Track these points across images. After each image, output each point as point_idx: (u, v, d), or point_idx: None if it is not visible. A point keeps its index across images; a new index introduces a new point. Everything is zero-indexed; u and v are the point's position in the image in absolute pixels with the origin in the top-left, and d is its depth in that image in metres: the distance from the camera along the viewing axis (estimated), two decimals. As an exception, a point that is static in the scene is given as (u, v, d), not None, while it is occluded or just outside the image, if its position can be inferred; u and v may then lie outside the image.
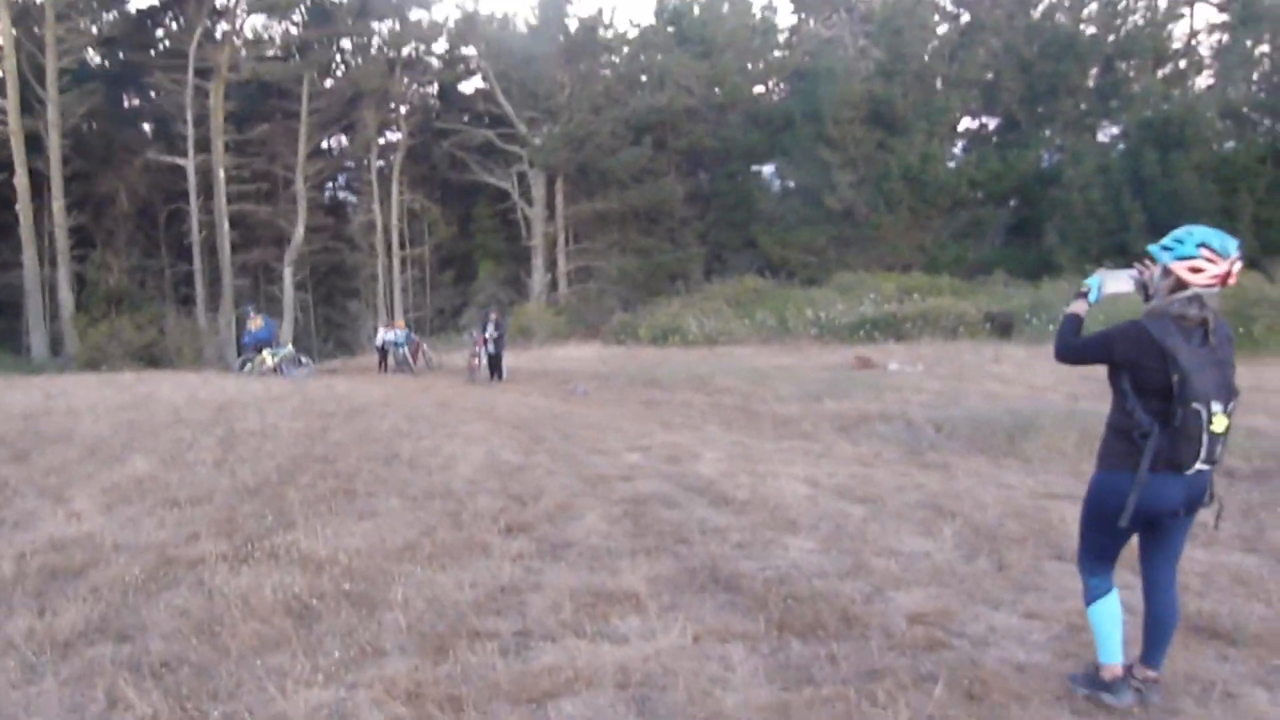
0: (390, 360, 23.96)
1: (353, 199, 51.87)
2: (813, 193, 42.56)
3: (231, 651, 3.37)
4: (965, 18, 46.32)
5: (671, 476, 6.76)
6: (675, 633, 3.54)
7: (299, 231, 41.45)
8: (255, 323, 22.86)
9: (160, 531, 5.09)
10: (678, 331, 27.59)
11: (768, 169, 52.00)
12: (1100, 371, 3.09)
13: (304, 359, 26.32)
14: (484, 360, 17.96)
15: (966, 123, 46.56)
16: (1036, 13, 45.89)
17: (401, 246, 46.28)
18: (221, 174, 38.58)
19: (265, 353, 21.39)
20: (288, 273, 41.49)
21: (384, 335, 24.69)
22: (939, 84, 41.56)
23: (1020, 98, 44.87)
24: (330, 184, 51.22)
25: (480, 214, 47.27)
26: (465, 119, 46.92)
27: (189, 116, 38.10)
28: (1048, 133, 43.57)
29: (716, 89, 49.11)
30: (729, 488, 6.32)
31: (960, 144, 46.27)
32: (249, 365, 21.95)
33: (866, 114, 40.21)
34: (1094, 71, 44.24)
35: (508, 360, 20.19)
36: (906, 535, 5.12)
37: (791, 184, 47.76)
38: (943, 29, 45.45)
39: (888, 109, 40.30)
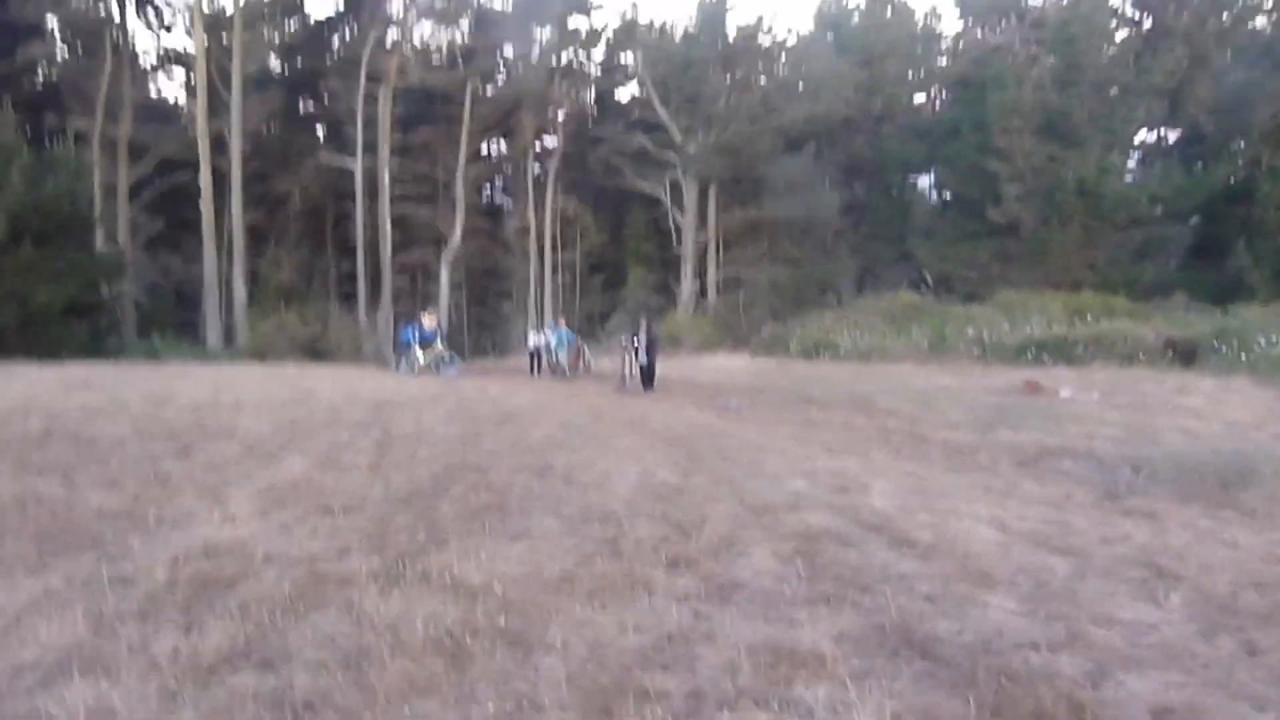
0: (542, 364, 23.63)
1: (508, 203, 53.02)
2: (975, 205, 40.94)
3: (379, 694, 3.07)
4: (1148, 23, 43.62)
5: (842, 509, 6.22)
6: (871, 710, 3.05)
7: (456, 233, 42.54)
8: (430, 320, 22.43)
9: (312, 541, 4.91)
10: (830, 346, 26.79)
11: (924, 181, 50.46)
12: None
13: (451, 355, 26.85)
14: (636, 369, 17.65)
15: (1144, 135, 43.84)
16: (1229, 16, 42.77)
17: (554, 250, 46.93)
18: (386, 176, 39.96)
19: (419, 350, 21.61)
20: (445, 272, 42.60)
21: (535, 339, 24.32)
22: (1115, 93, 39.10)
23: (1209, 108, 41.99)
24: (487, 187, 52.49)
25: (632, 220, 47.53)
26: (620, 126, 47.31)
27: (359, 121, 39.61)
28: (1241, 145, 40.55)
29: (875, 98, 47.86)
30: (907, 527, 5.74)
31: (1138, 156, 43.58)
32: (403, 361, 22.46)
33: (1038, 124, 38.32)
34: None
35: (659, 370, 19.96)
36: (1124, 600, 4.45)
37: (950, 196, 46.15)
38: (1122, 34, 42.89)
39: (1061, 119, 38.32)
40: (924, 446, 9.75)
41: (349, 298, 42.96)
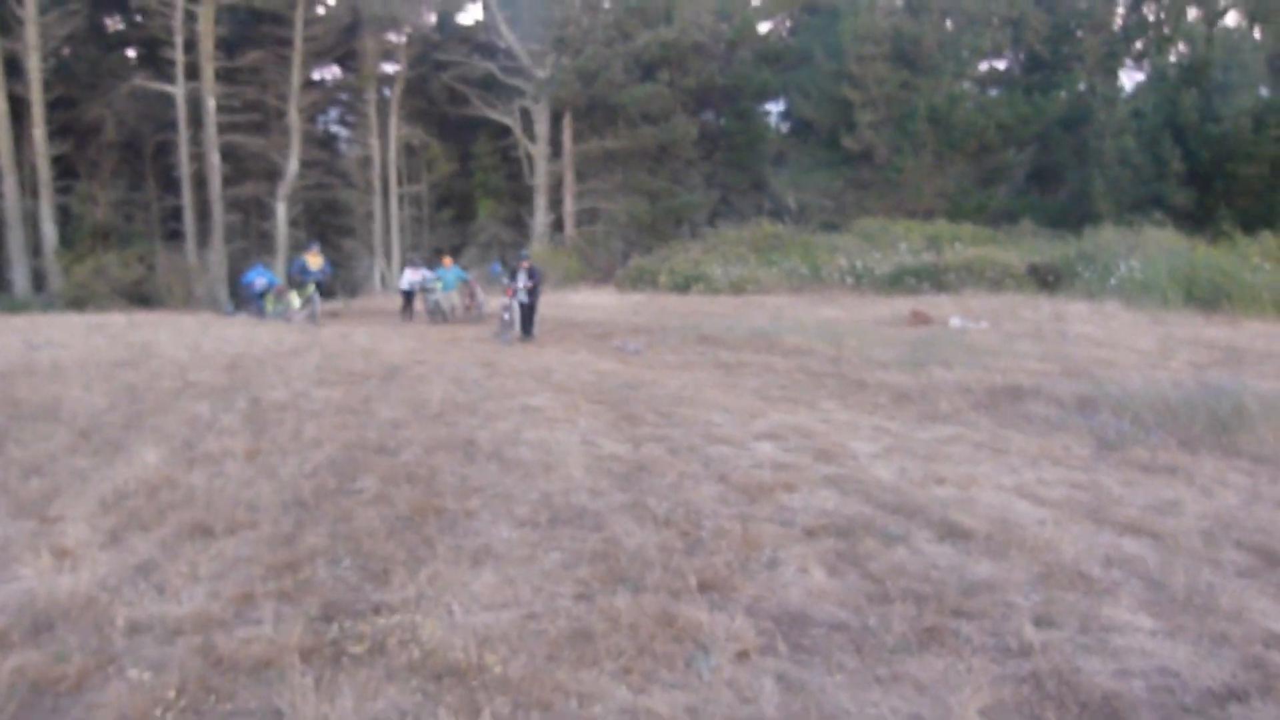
0: (413, 306, 21.10)
1: (345, 133, 49.56)
2: (829, 134, 40.70)
3: None
4: (994, -50, 43.94)
5: (842, 483, 5.21)
6: None
7: (292, 165, 39.30)
8: (315, 260, 19.74)
9: (194, 590, 3.48)
10: (702, 279, 25.91)
11: (774, 109, 50.06)
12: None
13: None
14: (516, 315, 15.31)
15: (987, 64, 44.49)
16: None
17: (399, 183, 44.15)
18: (211, 103, 36.31)
19: (293, 294, 19.21)
20: (281, 208, 39.38)
21: (409, 278, 21.33)
22: (963, 20, 39.27)
23: (1043, 36, 42.92)
24: (323, 117, 48.78)
25: (481, 151, 45.14)
26: (465, 51, 44.62)
27: (178, 41, 35.70)
28: (1073, 74, 41.64)
29: (726, 24, 46.78)
30: (935, 505, 4.78)
31: (979, 86, 44.18)
32: (256, 306, 20.28)
33: (890, 51, 38.13)
34: (1120, 10, 42.28)
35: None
36: (1267, 601, 3.57)
37: (804, 124, 45.82)
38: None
39: (913, 46, 38.23)
40: (865, 392, 8.87)
41: (174, 236, 39.06)
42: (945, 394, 8.55)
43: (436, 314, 20.02)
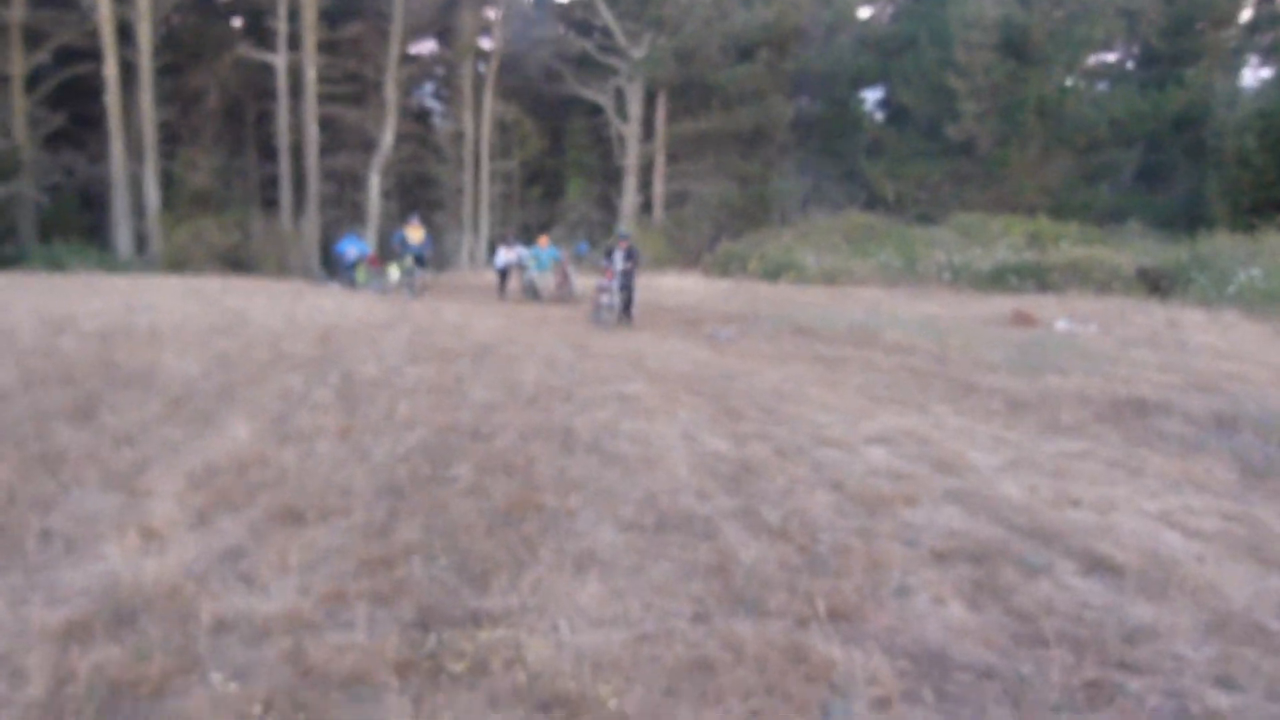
0: (508, 284, 20.62)
1: (439, 107, 49.91)
2: (930, 123, 39.66)
3: None
4: (1112, -60, 42.13)
5: (966, 499, 4.80)
6: None
7: (387, 138, 39.63)
8: (416, 233, 19.23)
9: (284, 584, 3.26)
10: (793, 266, 25.34)
11: (872, 95, 48.98)
12: None
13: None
14: (614, 296, 14.51)
15: (1100, 56, 42.79)
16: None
17: (490, 159, 44.27)
18: (312, 73, 36.75)
19: (392, 266, 19.16)
20: (374, 180, 39.78)
21: (504, 256, 20.73)
22: (1076, 9, 37.66)
23: (1161, 30, 41.06)
24: (419, 91, 49.17)
25: (573, 129, 45.03)
26: (562, 28, 44.53)
27: (281, 12, 36.22)
28: (1191, 71, 39.73)
29: (827, 8, 45.85)
30: (1074, 531, 4.35)
31: (1091, 79, 42.50)
32: (369, 275, 20.44)
33: (999, 40, 36.82)
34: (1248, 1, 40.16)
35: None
36: None
37: (903, 113, 44.69)
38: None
39: (1022, 36, 36.86)
40: (977, 396, 8.37)
41: (271, 204, 39.79)
42: (1064, 403, 8.02)
43: (530, 293, 19.67)
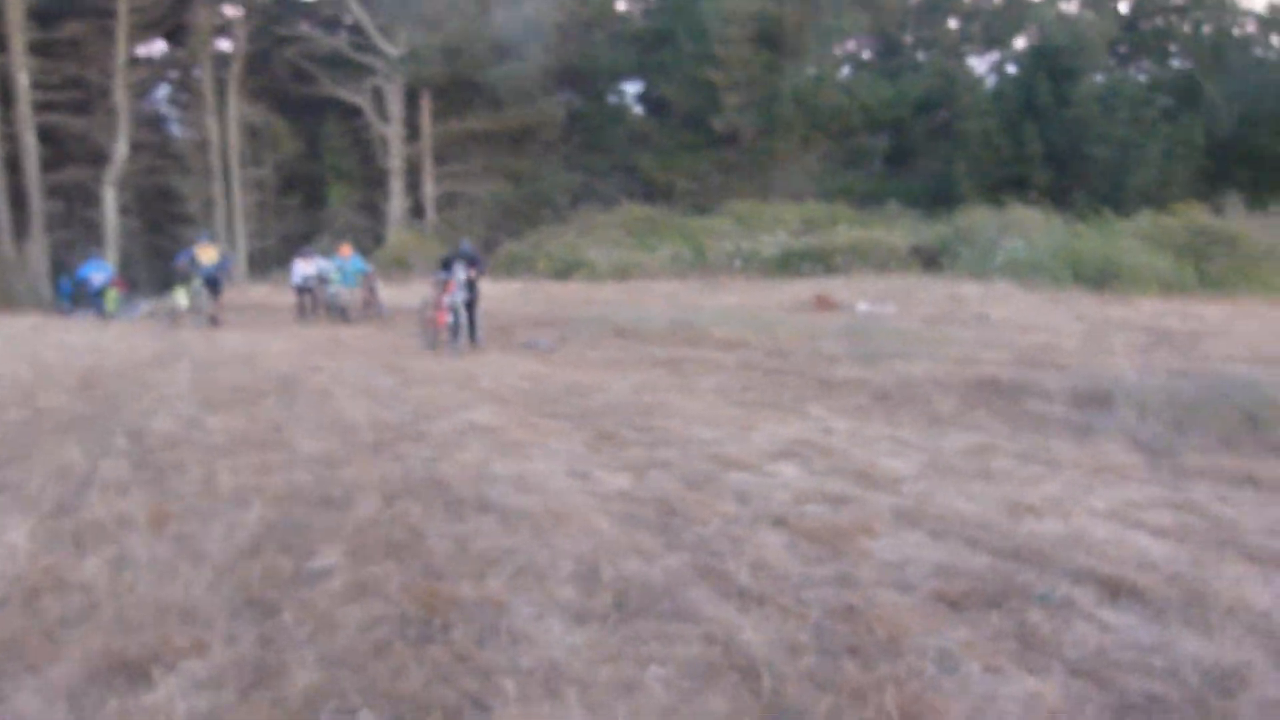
0: (311, 303, 18.07)
1: (177, 113, 45.75)
2: (693, 116, 40.20)
3: None
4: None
5: (919, 521, 4.32)
6: None
7: (121, 147, 35.85)
8: (208, 253, 16.76)
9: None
10: (583, 265, 24.77)
11: (632, 89, 49.26)
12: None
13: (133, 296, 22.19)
14: (458, 315, 11.93)
15: (849, 46, 44.94)
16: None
17: (241, 167, 40.95)
18: (25, 79, 32.61)
19: (180, 291, 16.80)
20: (109, 195, 35.90)
21: (302, 270, 18.14)
22: (823, 1, 39.31)
23: (898, 20, 43.65)
24: (150, 97, 44.77)
25: (330, 132, 42.34)
26: (309, 25, 41.87)
27: (-19, 10, 31.92)
28: (922, 57, 42.55)
29: (584, 4, 45.58)
30: (1050, 546, 3.94)
31: (842, 69, 44.57)
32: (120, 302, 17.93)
33: (755, 33, 37.80)
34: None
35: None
36: None
37: (662, 106, 45.19)
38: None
39: (776, 27, 38.02)
40: (839, 391, 8.01)
41: (-17, 226, 35.03)
42: (926, 391, 7.80)
43: (335, 311, 17.60)
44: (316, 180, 43.87)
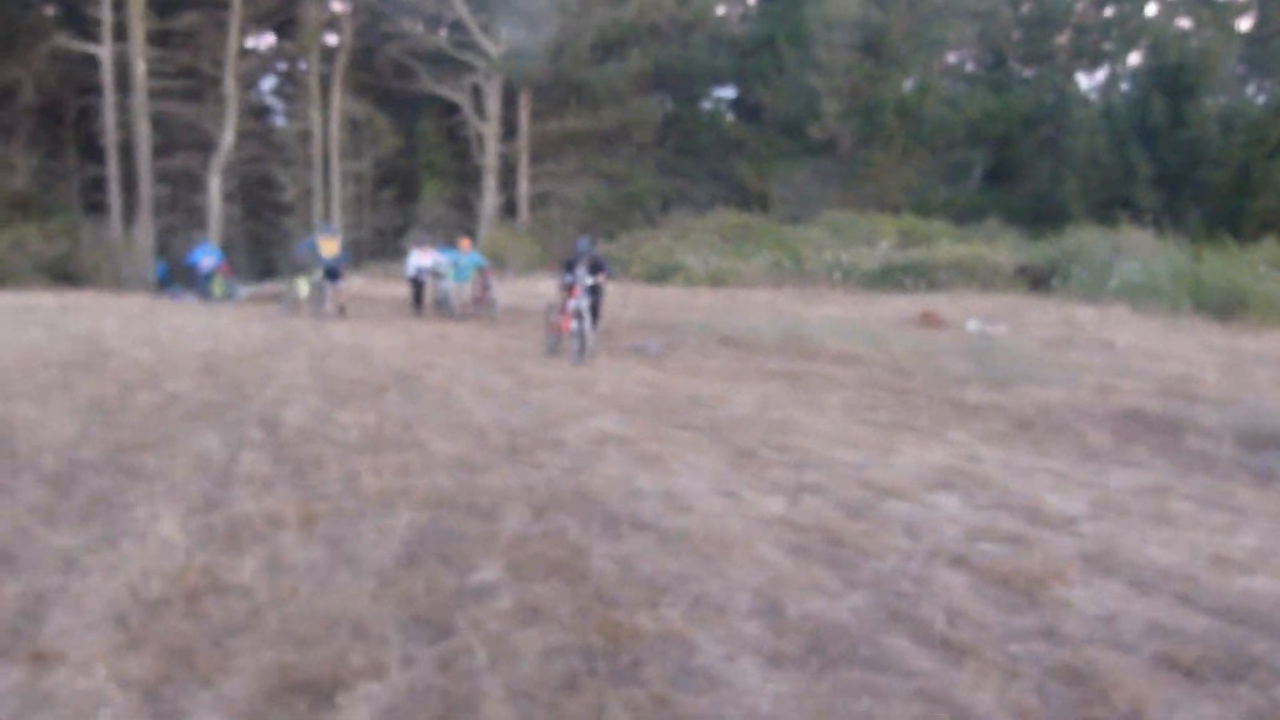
0: (426, 297, 17.27)
1: (281, 105, 46.80)
2: (791, 123, 39.65)
3: None
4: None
5: (1119, 570, 3.97)
6: None
7: (228, 136, 36.65)
8: (329, 245, 16.62)
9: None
10: (680, 269, 24.53)
11: (727, 94, 48.86)
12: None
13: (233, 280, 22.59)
14: (584, 321, 10.93)
15: (955, 57, 43.95)
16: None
17: (341, 160, 41.65)
18: (141, 67, 33.55)
19: (301, 280, 16.35)
20: (214, 182, 36.73)
21: (417, 261, 17.35)
22: (929, 11, 38.40)
23: (1010, 34, 42.55)
24: (260, 87, 45.83)
25: (427, 129, 42.85)
26: (412, 22, 42.44)
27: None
28: (1036, 72, 41.25)
29: (685, 5, 45.40)
30: (1271, 610, 3.52)
31: (947, 81, 43.53)
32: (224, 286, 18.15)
33: (858, 40, 37.11)
34: (1081, 6, 41.68)
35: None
36: None
37: (756, 111, 44.72)
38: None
39: (879, 36, 37.26)
40: (977, 416, 7.63)
41: (95, 209, 36.02)
42: (1069, 420, 7.37)
43: (445, 306, 16.96)
44: (411, 175, 44.44)
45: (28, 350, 9.23)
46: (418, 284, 17.28)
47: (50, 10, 36.38)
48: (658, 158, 43.19)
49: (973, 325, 16.12)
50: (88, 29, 33.68)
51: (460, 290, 17.26)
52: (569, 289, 11.44)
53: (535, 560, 3.73)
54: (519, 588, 3.46)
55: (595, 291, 11.72)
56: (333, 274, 16.26)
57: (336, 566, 3.59)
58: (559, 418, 6.85)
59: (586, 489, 4.82)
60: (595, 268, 11.85)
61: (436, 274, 17.14)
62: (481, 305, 17.30)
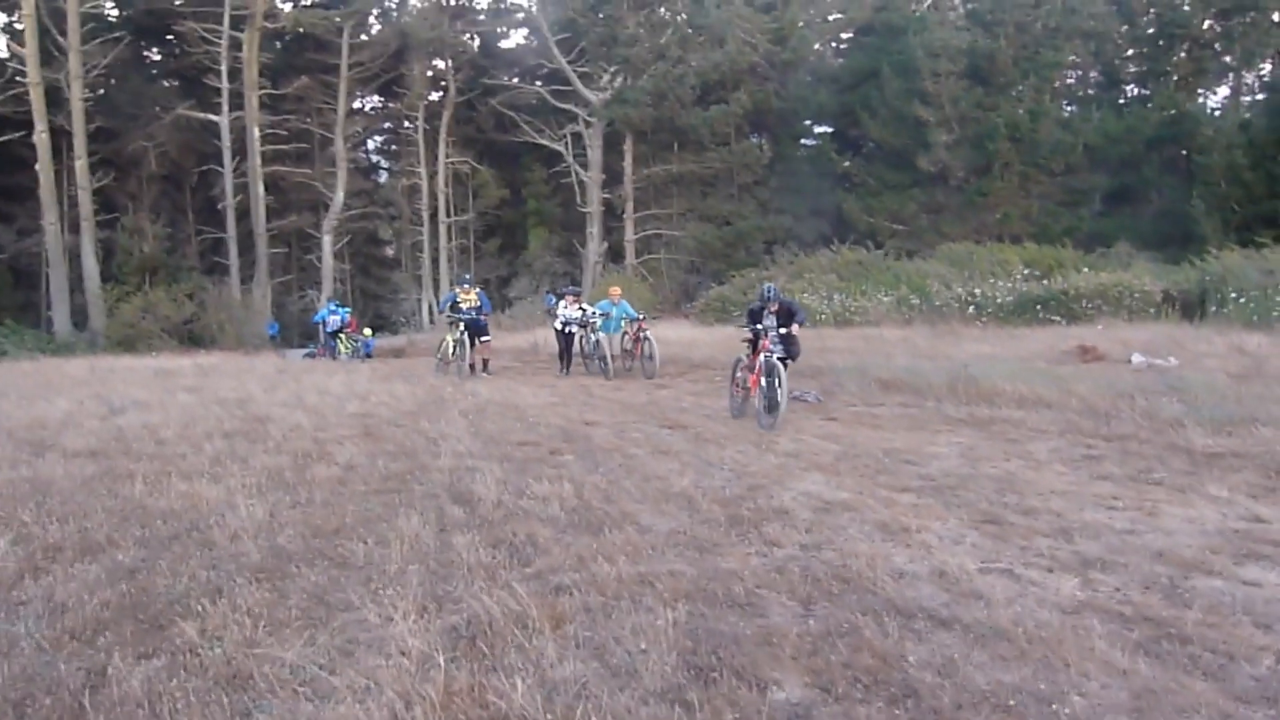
0: (574, 351, 15.99)
1: (385, 163, 47.91)
2: (898, 155, 38.75)
3: None
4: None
5: None
6: None
7: (339, 195, 37.55)
8: (469, 296, 15.60)
9: None
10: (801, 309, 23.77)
11: (827, 129, 48.10)
12: None
13: (362, 337, 22.64)
14: (776, 380, 9.25)
15: (1068, 79, 42.41)
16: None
17: (447, 214, 42.29)
18: (256, 132, 34.63)
19: (449, 338, 15.35)
20: (327, 241, 37.61)
21: (565, 313, 15.87)
22: (1040, 32, 37.08)
23: (1126, 51, 41.00)
24: (365, 146, 47.01)
25: (531, 178, 43.27)
26: (511, 75, 43.08)
27: (223, 69, 34.12)
28: (1163, 91, 39.41)
29: (781, 45, 44.97)
30: None
31: (1061, 103, 42.00)
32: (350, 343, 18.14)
33: (965, 68, 36.12)
34: (1208, 21, 39.57)
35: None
36: None
37: (863, 145, 43.92)
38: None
39: (987, 62, 36.19)
40: (1215, 465, 6.77)
41: (213, 270, 37.17)
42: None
43: (597, 361, 15.29)
44: (516, 225, 44.89)
45: (185, 418, 9.07)
46: (567, 337, 15.87)
47: (173, 82, 37.94)
48: (760, 197, 42.69)
49: (1138, 359, 15.02)
50: (206, 98, 34.99)
51: (612, 343, 15.82)
52: (755, 340, 9.97)
53: (840, 672, 3.14)
54: (838, 711, 2.87)
55: (788, 341, 10.17)
56: (477, 329, 15.34)
57: (615, 683, 3.05)
58: (761, 481, 6.26)
59: (845, 573, 4.21)
60: (788, 314, 10.35)
61: (585, 325, 15.78)
62: (636, 359, 15.64)
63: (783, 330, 10.14)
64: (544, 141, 41.33)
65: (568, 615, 3.64)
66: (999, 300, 22.36)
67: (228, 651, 3.32)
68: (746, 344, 10.21)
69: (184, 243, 37.82)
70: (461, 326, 15.07)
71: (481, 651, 3.32)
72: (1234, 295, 20.61)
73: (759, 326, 10.09)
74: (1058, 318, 21.36)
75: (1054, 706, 2.87)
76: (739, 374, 10.36)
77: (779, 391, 9.20)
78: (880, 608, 3.75)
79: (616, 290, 17.24)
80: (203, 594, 3.93)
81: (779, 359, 9.58)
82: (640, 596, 3.87)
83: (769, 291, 10.66)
